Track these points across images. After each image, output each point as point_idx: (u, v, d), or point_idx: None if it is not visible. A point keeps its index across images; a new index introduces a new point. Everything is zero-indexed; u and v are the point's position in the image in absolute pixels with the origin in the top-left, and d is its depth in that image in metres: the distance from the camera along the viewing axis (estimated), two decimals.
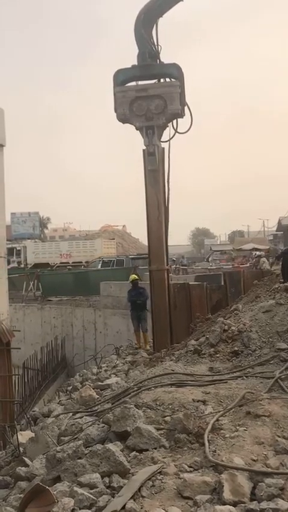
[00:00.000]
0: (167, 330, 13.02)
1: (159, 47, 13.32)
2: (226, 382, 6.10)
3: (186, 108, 13.17)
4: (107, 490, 3.90)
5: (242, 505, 3.36)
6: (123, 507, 3.51)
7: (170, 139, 13.32)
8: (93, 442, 4.83)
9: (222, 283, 14.52)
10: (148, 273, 14.34)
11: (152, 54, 13.19)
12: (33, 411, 10.75)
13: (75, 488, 3.83)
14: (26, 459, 5.50)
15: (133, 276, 14.99)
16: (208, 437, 4.31)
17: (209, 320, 10.36)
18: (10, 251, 35.76)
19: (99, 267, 31.76)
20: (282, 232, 55.77)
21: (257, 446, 4.14)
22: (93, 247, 45.04)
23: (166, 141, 13.33)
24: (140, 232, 76.05)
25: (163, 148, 13.26)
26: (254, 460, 3.94)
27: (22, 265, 40.47)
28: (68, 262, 40.93)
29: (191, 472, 3.93)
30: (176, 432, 4.56)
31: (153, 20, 13.22)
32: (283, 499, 3.35)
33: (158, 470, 3.99)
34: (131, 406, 4.96)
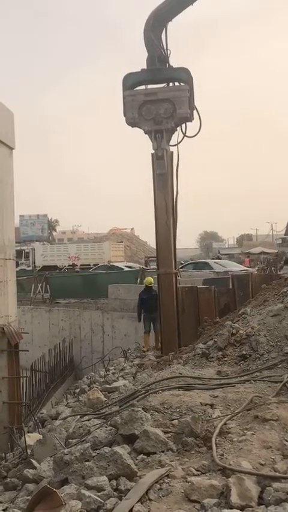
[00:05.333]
0: (175, 333, 13.00)
1: (169, 51, 13.34)
2: (234, 385, 6.08)
3: (195, 112, 13.17)
4: (115, 492, 3.90)
5: (250, 509, 3.35)
6: (131, 510, 3.51)
7: (179, 143, 13.32)
8: (100, 444, 4.83)
9: (230, 287, 14.47)
10: (156, 277, 14.35)
11: (161, 58, 13.21)
12: (41, 413, 10.76)
13: (83, 491, 3.84)
14: (33, 461, 5.51)
15: (150, 280, 15.06)
16: (216, 440, 4.30)
17: (217, 323, 10.32)
18: (19, 253, 35.91)
19: None
20: None
21: (265, 450, 4.12)
22: (101, 250, 45.16)
23: (174, 145, 13.34)
24: (148, 236, 76.16)
25: (172, 152, 13.26)
26: (261, 464, 3.92)
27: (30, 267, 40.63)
28: (76, 265, 41.03)
29: (198, 475, 3.93)
30: (183, 435, 4.56)
31: (163, 24, 13.22)
32: None
33: (166, 474, 3.99)
34: (139, 409, 4.96)
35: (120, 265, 34.91)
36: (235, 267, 27.71)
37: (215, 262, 29.82)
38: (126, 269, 31.52)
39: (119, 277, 25.97)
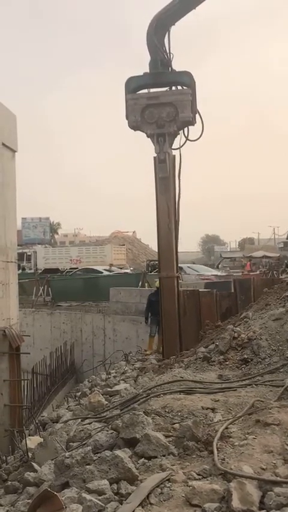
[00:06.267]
0: (176, 336, 13.00)
1: (171, 54, 13.37)
2: (235, 389, 6.08)
3: (197, 115, 13.18)
4: (115, 496, 3.89)
5: None
6: None
7: (181, 146, 13.33)
8: (101, 448, 4.82)
9: (232, 291, 14.47)
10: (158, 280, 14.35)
11: (164, 61, 13.24)
12: (42, 416, 10.75)
13: (84, 495, 3.83)
14: (34, 464, 5.50)
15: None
16: (217, 445, 4.29)
17: (219, 327, 10.32)
18: (21, 256, 35.96)
19: None
20: None
21: (266, 454, 4.11)
22: (103, 253, 45.20)
23: (177, 149, 13.36)
24: (150, 239, 76.16)
25: (174, 155, 13.28)
26: (263, 469, 3.91)
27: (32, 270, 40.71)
28: (78, 268, 41.08)
29: (199, 479, 3.91)
30: (184, 439, 4.55)
31: (166, 28, 13.26)
32: None
33: (167, 478, 3.97)
34: (140, 412, 4.95)
35: (100, 268, 35.24)
36: (207, 271, 30.70)
37: (188, 266, 31.62)
38: (105, 273, 32.00)
39: (121, 280, 26.00)
